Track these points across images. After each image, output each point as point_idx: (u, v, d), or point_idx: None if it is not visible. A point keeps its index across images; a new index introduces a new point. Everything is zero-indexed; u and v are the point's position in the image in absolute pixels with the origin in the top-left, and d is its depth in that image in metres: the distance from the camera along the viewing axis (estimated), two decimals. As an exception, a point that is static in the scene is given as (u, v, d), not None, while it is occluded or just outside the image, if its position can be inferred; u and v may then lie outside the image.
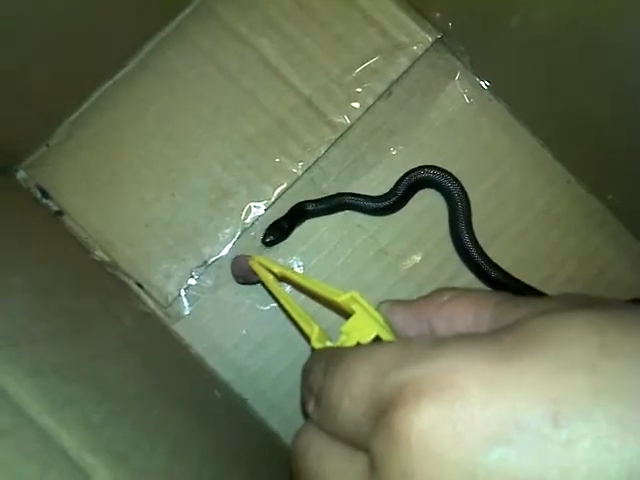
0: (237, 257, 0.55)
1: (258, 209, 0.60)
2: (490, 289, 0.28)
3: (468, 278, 0.62)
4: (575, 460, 0.19)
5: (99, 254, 0.57)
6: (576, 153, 0.63)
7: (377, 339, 0.33)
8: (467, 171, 0.63)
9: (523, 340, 0.22)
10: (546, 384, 0.20)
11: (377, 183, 0.62)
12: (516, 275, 0.63)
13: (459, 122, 0.64)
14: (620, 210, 0.63)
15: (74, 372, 0.29)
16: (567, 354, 0.21)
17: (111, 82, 0.60)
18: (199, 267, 0.58)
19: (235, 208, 0.60)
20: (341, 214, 0.62)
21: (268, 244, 0.58)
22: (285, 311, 0.46)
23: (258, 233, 0.60)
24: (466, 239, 0.61)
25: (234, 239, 0.59)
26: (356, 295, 0.35)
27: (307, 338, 0.38)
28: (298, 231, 0.61)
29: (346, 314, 0.36)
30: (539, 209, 0.64)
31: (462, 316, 0.28)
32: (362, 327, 0.33)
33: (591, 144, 0.60)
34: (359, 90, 0.61)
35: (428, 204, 0.63)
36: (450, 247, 0.63)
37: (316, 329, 0.38)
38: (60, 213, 0.58)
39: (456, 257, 0.63)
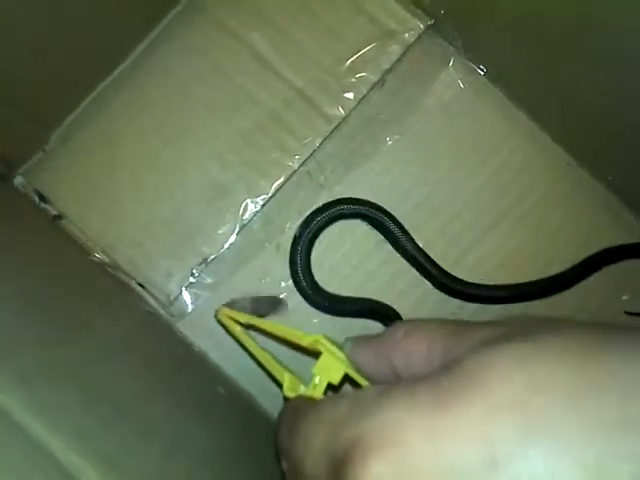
0: None
1: (256, 205, 0.60)
2: (441, 319, 0.29)
3: (472, 262, 0.62)
4: None
5: (99, 256, 0.58)
6: (575, 135, 0.62)
7: (347, 378, 0.34)
8: (465, 157, 0.63)
9: (458, 383, 0.23)
10: (480, 427, 0.21)
11: (374, 174, 0.62)
12: (518, 260, 0.62)
13: (455, 109, 0.63)
14: (622, 191, 0.62)
15: (64, 376, 0.29)
16: (496, 393, 0.21)
17: (104, 84, 0.60)
18: (199, 265, 0.59)
19: (232, 205, 0.59)
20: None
21: None
22: (256, 360, 0.47)
23: (258, 228, 0.60)
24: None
25: (233, 236, 0.59)
26: (319, 338, 0.36)
27: (280, 386, 0.39)
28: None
29: (317, 355, 0.37)
30: (540, 193, 0.63)
31: (417, 351, 0.28)
32: (330, 368, 0.35)
33: (589, 125, 0.59)
34: (352, 80, 0.61)
35: (426, 193, 0.62)
36: (452, 232, 0.63)
37: (287, 377, 0.39)
38: (59, 217, 0.58)
39: (461, 241, 0.63)
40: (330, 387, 0.36)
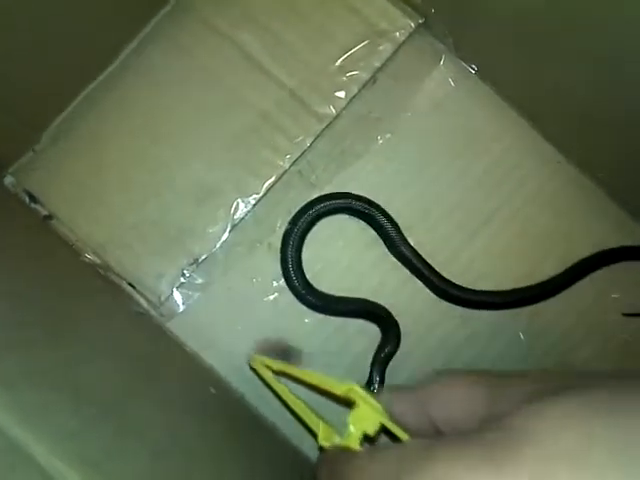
0: None
1: (247, 204, 0.60)
2: (480, 372, 0.30)
3: (463, 261, 0.62)
4: None
5: (90, 257, 0.58)
6: (565, 133, 0.62)
7: (382, 428, 0.34)
8: (457, 156, 0.63)
9: (507, 436, 0.23)
10: None
11: (366, 172, 0.62)
12: (509, 259, 0.63)
13: (446, 107, 0.63)
14: (612, 188, 0.63)
15: (51, 378, 0.29)
16: (548, 446, 0.22)
17: (94, 84, 0.60)
18: (190, 265, 0.59)
19: (223, 204, 0.59)
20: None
21: None
22: (289, 409, 0.48)
23: (249, 228, 0.60)
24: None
25: (224, 236, 0.59)
26: (354, 387, 0.36)
27: (314, 435, 0.39)
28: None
29: (350, 404, 0.37)
30: (531, 190, 0.64)
31: (457, 402, 0.29)
32: (366, 417, 0.35)
33: (579, 122, 0.59)
34: (343, 79, 0.61)
35: (418, 191, 0.62)
36: (443, 231, 0.63)
37: (321, 426, 0.39)
38: (49, 217, 0.58)
39: (452, 240, 0.63)
40: (365, 436, 0.36)
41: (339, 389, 0.37)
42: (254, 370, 0.54)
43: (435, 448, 0.25)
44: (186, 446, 0.36)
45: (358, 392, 0.36)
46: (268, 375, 0.51)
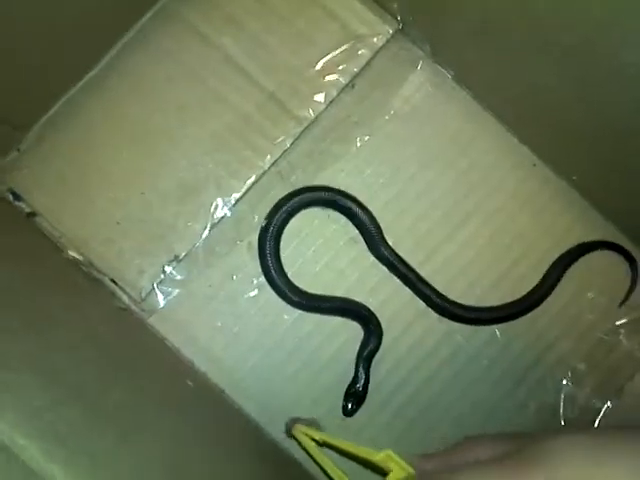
0: None
1: (227, 204, 0.61)
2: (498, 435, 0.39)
3: (439, 261, 0.64)
4: None
5: (72, 253, 0.59)
6: (540, 136, 0.64)
7: None
8: (434, 159, 0.65)
9: (521, 463, 0.28)
10: None
11: (344, 174, 0.64)
12: (486, 258, 0.64)
13: (424, 111, 0.65)
14: (586, 190, 0.64)
15: (21, 362, 0.30)
16: (559, 468, 0.27)
17: (79, 85, 0.62)
18: (171, 262, 0.60)
19: (204, 204, 0.61)
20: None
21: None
22: (329, 477, 0.51)
23: (229, 227, 0.62)
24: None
25: (204, 234, 0.60)
26: (390, 453, 0.40)
27: None
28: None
29: (383, 472, 0.41)
30: (507, 193, 0.65)
31: (482, 455, 0.34)
32: None
33: (553, 126, 0.61)
34: (323, 83, 0.62)
35: (396, 192, 0.64)
36: (420, 231, 0.64)
37: None
38: (33, 214, 0.59)
39: (430, 239, 0.64)
40: None
41: (376, 457, 0.41)
42: (295, 438, 0.57)
43: (458, 471, 0.31)
44: (155, 431, 0.37)
45: (394, 458, 0.39)
46: (310, 444, 0.54)
